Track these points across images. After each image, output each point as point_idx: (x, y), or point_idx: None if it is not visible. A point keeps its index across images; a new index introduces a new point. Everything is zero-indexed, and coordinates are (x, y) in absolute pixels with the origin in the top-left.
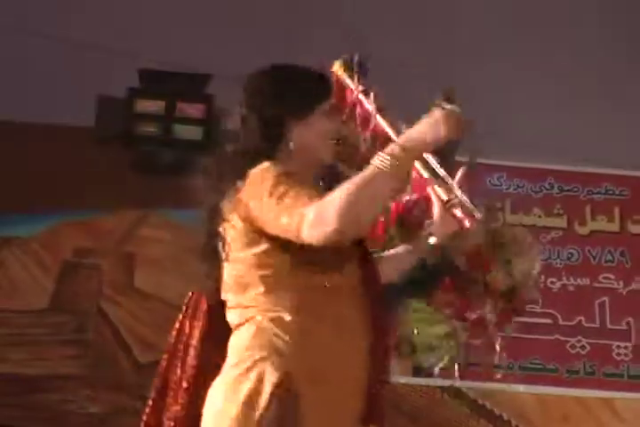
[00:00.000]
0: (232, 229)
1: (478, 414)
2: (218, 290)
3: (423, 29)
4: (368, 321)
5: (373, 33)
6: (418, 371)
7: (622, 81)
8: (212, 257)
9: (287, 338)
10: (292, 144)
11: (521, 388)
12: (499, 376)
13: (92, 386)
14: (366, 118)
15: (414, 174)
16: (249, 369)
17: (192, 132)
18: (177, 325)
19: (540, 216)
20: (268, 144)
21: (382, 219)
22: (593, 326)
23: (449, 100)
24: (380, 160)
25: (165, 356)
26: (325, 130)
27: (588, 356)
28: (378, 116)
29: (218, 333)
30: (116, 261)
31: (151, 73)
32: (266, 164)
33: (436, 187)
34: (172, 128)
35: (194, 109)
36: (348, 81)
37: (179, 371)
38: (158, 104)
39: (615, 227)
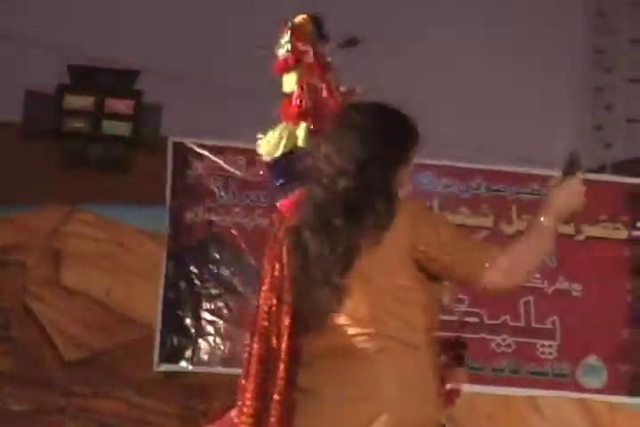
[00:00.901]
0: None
1: None
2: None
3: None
4: None
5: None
6: None
7: (551, 82)
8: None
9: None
10: (400, 188)
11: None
12: None
13: (16, 383)
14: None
15: None
16: None
17: (121, 128)
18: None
19: (467, 216)
20: (390, 185)
21: None
22: (518, 324)
23: (577, 165)
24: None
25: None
26: (410, 175)
27: (513, 354)
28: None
29: None
30: (42, 258)
31: (80, 69)
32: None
33: None
34: (101, 124)
35: (123, 105)
36: (311, 34)
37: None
38: (87, 100)
39: None
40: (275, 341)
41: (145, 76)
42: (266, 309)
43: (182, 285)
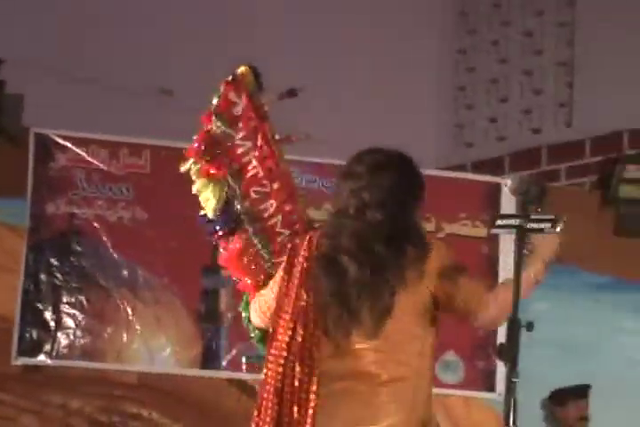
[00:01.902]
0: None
1: None
2: None
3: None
4: None
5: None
6: (205, 363)
7: (413, 81)
8: None
9: None
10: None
11: None
12: None
13: None
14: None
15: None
16: None
17: None
18: None
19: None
20: (417, 220)
21: None
22: None
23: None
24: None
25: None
26: None
27: None
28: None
29: None
30: None
31: None
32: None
33: None
34: None
35: None
36: (251, 88)
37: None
38: None
39: None
40: (297, 368)
41: (7, 66)
42: (287, 339)
43: (42, 277)
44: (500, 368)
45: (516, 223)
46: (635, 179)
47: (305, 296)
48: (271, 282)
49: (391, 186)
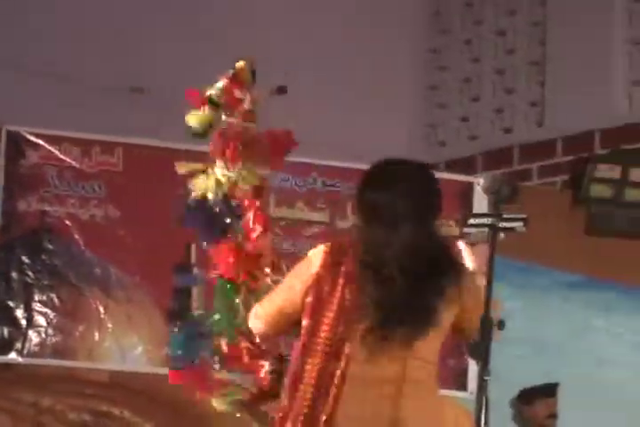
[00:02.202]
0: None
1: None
2: None
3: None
4: None
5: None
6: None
7: (386, 80)
8: None
9: None
10: None
11: None
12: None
13: None
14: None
15: None
16: None
17: None
18: None
19: (303, 210)
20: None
21: None
22: None
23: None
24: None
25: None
26: None
27: None
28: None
29: None
30: None
31: None
32: None
33: None
34: None
35: None
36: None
37: None
38: None
39: None
40: (332, 366)
41: None
42: (330, 335)
43: (14, 275)
44: (472, 367)
45: (489, 222)
46: (606, 178)
47: (349, 296)
48: (279, 288)
49: (420, 198)
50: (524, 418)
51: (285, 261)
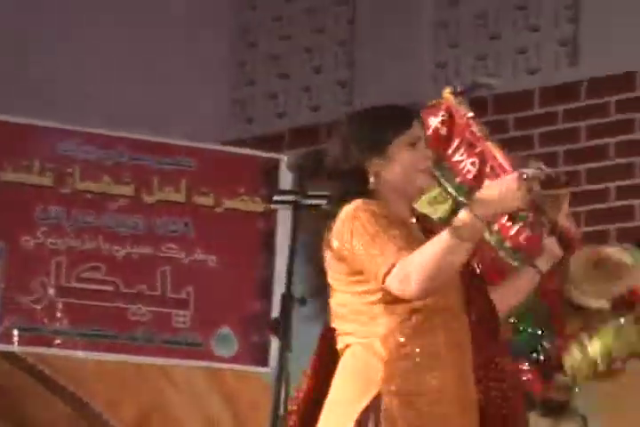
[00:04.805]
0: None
1: (37, 381)
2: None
3: None
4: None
5: None
6: None
7: (195, 54)
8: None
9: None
10: (372, 182)
11: (80, 354)
12: (58, 342)
13: None
14: (473, 143)
15: None
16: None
17: None
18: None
19: (109, 184)
20: (356, 187)
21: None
22: (154, 293)
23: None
24: (455, 230)
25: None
26: (410, 160)
27: (148, 323)
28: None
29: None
30: None
31: None
32: (358, 201)
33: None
34: None
35: None
36: (458, 106)
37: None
38: None
39: (181, 198)
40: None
41: None
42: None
43: None
44: (274, 343)
45: (293, 199)
46: None
47: None
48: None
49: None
50: None
51: (87, 234)
